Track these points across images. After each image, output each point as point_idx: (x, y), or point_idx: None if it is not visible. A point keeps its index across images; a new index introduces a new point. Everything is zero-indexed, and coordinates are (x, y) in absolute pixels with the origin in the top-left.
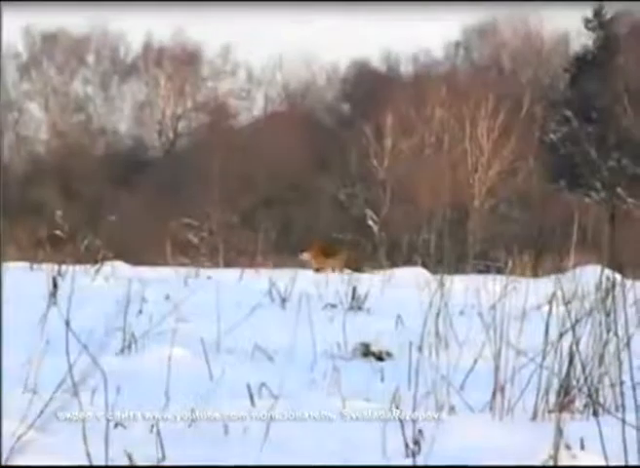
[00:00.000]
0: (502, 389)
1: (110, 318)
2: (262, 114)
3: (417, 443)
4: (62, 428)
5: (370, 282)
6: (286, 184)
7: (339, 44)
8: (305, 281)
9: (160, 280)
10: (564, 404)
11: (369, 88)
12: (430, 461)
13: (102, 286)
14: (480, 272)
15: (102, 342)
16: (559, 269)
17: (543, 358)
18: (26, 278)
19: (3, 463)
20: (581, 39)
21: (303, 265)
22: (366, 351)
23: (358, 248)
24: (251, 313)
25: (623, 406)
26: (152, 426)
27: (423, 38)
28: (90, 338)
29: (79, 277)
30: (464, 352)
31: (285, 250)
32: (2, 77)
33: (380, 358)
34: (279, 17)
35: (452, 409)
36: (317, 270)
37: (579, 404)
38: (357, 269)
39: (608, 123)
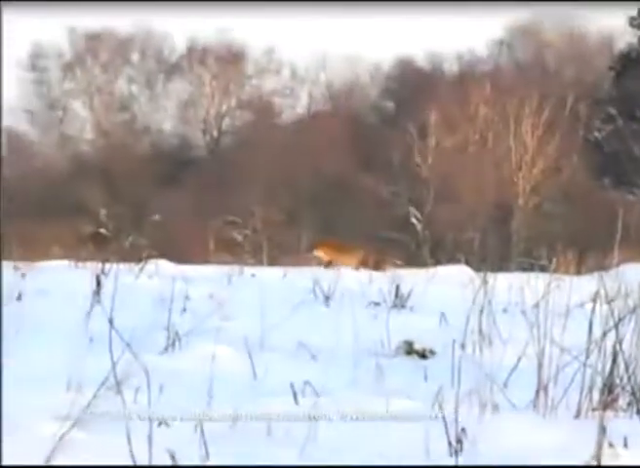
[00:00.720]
0: (546, 387)
1: (154, 316)
2: (306, 112)
3: (459, 441)
4: (106, 427)
5: (413, 279)
6: (330, 183)
7: (382, 42)
8: (349, 279)
9: (204, 278)
10: (607, 402)
11: (413, 86)
12: (473, 460)
13: (146, 284)
14: (524, 270)
15: (146, 340)
16: (602, 267)
17: (587, 356)
18: (70, 276)
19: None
20: (626, 37)
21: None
22: (409, 349)
23: (383, 249)
24: (294, 311)
25: None
26: (196, 425)
27: (467, 36)
28: (133, 336)
29: (123, 275)
30: (508, 350)
31: None
32: (45, 76)
33: (423, 356)
34: (323, 15)
35: (495, 407)
36: (328, 264)
37: (622, 402)
38: (376, 269)
39: None
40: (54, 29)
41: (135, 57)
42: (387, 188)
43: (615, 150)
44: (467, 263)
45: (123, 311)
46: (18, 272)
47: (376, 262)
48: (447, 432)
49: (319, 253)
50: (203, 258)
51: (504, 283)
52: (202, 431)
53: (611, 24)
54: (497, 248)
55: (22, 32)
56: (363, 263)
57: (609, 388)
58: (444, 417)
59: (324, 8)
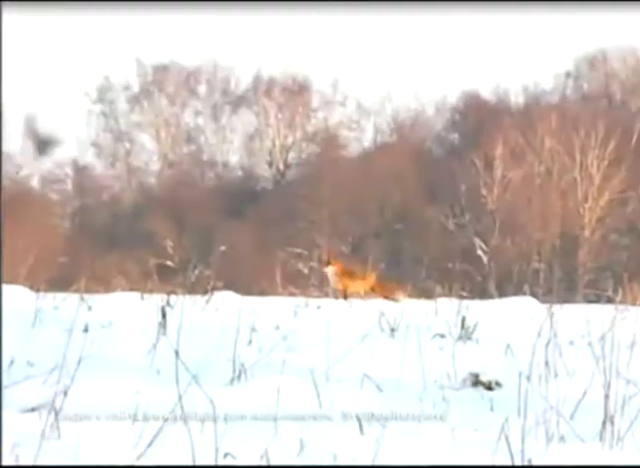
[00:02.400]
0: (612, 419)
1: (220, 348)
2: (372, 144)
3: None
4: (172, 458)
5: (479, 311)
6: (395, 214)
7: (448, 75)
8: (414, 310)
9: (270, 310)
10: None
11: (478, 118)
12: None
13: (212, 316)
14: (590, 301)
15: (212, 373)
16: None
17: None
18: (137, 308)
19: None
20: None
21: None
22: (475, 381)
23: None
24: (360, 342)
25: None
26: (262, 456)
27: (533, 69)
28: (199, 369)
29: (189, 307)
30: (574, 382)
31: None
32: (112, 108)
33: (489, 387)
34: (388, 49)
35: (561, 438)
36: (341, 292)
37: None
38: (388, 297)
39: None
40: (122, 61)
41: (201, 89)
42: (453, 220)
43: None
44: (533, 295)
45: (189, 343)
46: (84, 303)
47: (387, 290)
48: (513, 462)
49: (331, 272)
50: (269, 290)
51: (570, 314)
52: (268, 461)
53: None
54: (562, 279)
55: (91, 65)
56: (373, 290)
57: None
58: (510, 448)
59: (388, 40)
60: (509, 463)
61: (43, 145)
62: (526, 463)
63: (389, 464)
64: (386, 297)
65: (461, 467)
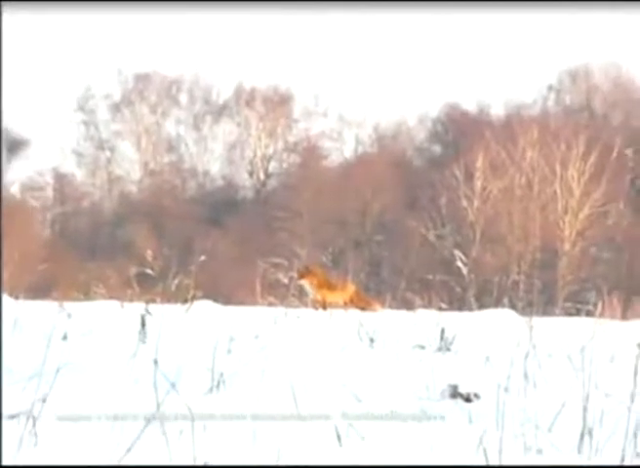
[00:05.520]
0: (591, 431)
1: (199, 357)
2: (353, 155)
3: None
4: (150, 463)
5: (458, 323)
6: (376, 225)
7: (429, 86)
8: (393, 321)
9: (249, 319)
10: None
11: (460, 129)
12: None
13: (191, 325)
14: (569, 314)
15: (190, 381)
16: None
17: (632, 400)
18: (116, 316)
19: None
20: None
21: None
22: (454, 392)
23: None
24: (339, 352)
25: None
26: (239, 466)
27: (516, 81)
28: (178, 377)
29: (168, 316)
30: (553, 394)
31: (374, 289)
32: (93, 117)
33: (468, 399)
34: (370, 60)
35: (539, 450)
36: (318, 304)
37: None
38: (365, 308)
39: None
40: (103, 70)
41: (183, 98)
42: (433, 231)
43: None
44: (513, 307)
45: (168, 352)
46: (63, 312)
47: (364, 301)
48: None
49: (306, 284)
50: (249, 300)
51: (550, 327)
52: None
53: None
54: (542, 292)
55: (72, 73)
56: (352, 301)
57: None
58: (487, 460)
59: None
60: None
61: (13, 146)
62: None
63: (390, 464)
64: (363, 309)
65: (459, 467)
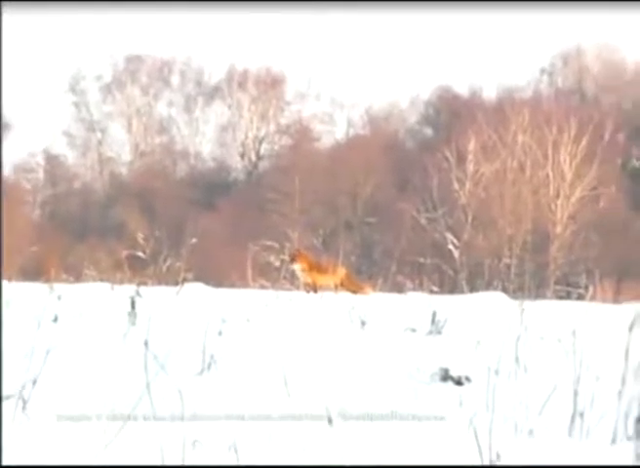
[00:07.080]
0: (581, 414)
1: (190, 339)
2: (345, 137)
3: (493, 466)
4: (140, 447)
5: (450, 306)
6: (367, 207)
7: (422, 68)
8: (385, 304)
9: (240, 302)
10: None
11: (451, 112)
12: None
13: (182, 307)
14: (561, 298)
15: (181, 363)
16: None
17: (623, 383)
18: (107, 298)
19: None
20: None
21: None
22: (445, 375)
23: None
24: (330, 335)
25: None
26: (230, 446)
27: (509, 65)
28: (169, 359)
29: (159, 298)
30: (543, 377)
31: (365, 272)
32: (84, 99)
33: (459, 382)
34: (363, 43)
35: (530, 432)
36: (309, 287)
37: None
38: (356, 291)
39: None
40: (94, 52)
41: (174, 79)
42: (425, 214)
43: None
44: (504, 290)
45: (159, 334)
46: (53, 294)
47: (355, 284)
48: (481, 456)
49: (297, 268)
50: (240, 283)
51: (541, 310)
52: (236, 450)
53: None
54: (534, 275)
55: (63, 54)
56: (342, 284)
57: None
58: (478, 442)
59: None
60: (477, 457)
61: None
62: (494, 457)
63: (389, 464)
64: (354, 292)
65: (456, 467)
